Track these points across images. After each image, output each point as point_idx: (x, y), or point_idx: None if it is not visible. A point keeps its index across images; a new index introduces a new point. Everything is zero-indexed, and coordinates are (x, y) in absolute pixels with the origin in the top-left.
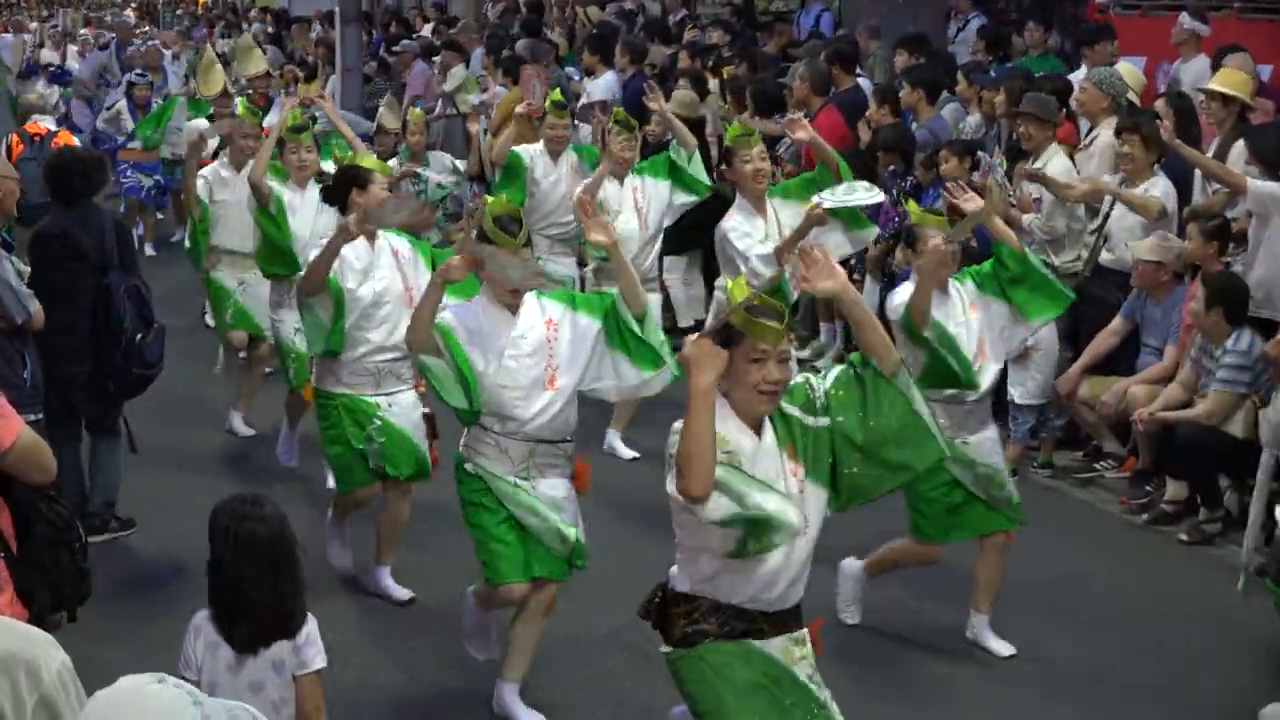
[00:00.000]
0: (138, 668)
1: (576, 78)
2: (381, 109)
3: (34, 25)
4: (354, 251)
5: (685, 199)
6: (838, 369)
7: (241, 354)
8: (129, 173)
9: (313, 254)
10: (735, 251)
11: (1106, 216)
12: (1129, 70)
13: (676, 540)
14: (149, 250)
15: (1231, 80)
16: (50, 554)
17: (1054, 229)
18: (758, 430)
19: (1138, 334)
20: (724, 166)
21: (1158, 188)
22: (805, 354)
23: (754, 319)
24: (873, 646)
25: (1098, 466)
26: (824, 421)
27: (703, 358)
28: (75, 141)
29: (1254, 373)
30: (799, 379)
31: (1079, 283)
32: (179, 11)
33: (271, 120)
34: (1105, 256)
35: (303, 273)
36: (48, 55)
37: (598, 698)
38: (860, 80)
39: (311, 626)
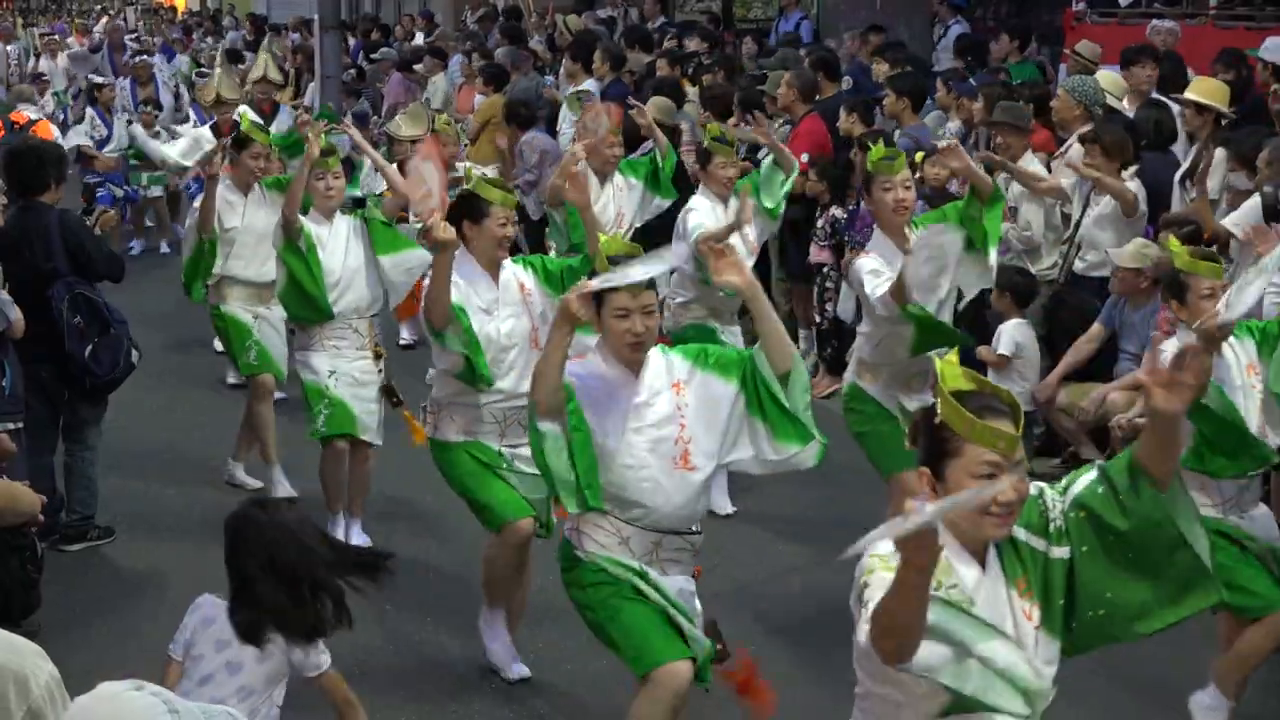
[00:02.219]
0: (118, 676)
1: (550, 83)
2: (399, 116)
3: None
4: (475, 286)
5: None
6: (1086, 478)
7: (278, 394)
8: (103, 185)
9: (349, 296)
10: (862, 294)
11: (1078, 224)
12: (1109, 77)
13: (857, 689)
14: (163, 248)
15: (1206, 89)
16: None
17: (1030, 239)
18: (981, 558)
19: (1115, 340)
20: (700, 168)
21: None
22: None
23: (981, 421)
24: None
25: None
26: (1063, 552)
27: (918, 540)
28: (54, 134)
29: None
30: (1030, 490)
31: (1055, 290)
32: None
33: (280, 127)
34: (1079, 265)
35: (422, 307)
36: (43, 65)
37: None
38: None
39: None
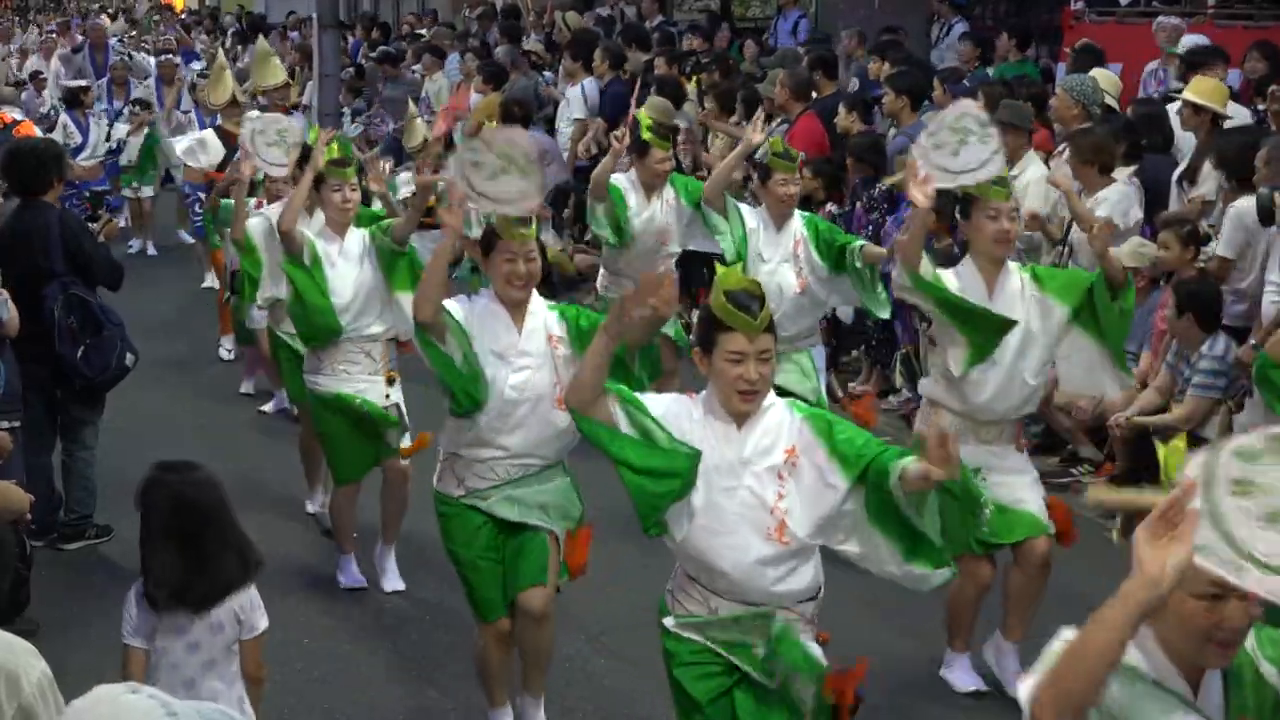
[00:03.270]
0: (116, 676)
1: (550, 82)
2: (416, 122)
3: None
4: (493, 327)
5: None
6: None
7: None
8: (77, 196)
9: (362, 318)
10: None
11: (1069, 228)
12: (1105, 76)
13: None
14: (150, 251)
15: (1204, 89)
16: None
17: (1032, 238)
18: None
19: None
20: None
21: (1109, 201)
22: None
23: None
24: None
25: (1074, 471)
26: None
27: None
28: (36, 132)
29: (1229, 378)
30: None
31: None
32: (157, 18)
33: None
34: (1072, 267)
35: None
36: (36, 64)
37: (581, 697)
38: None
39: (253, 592)
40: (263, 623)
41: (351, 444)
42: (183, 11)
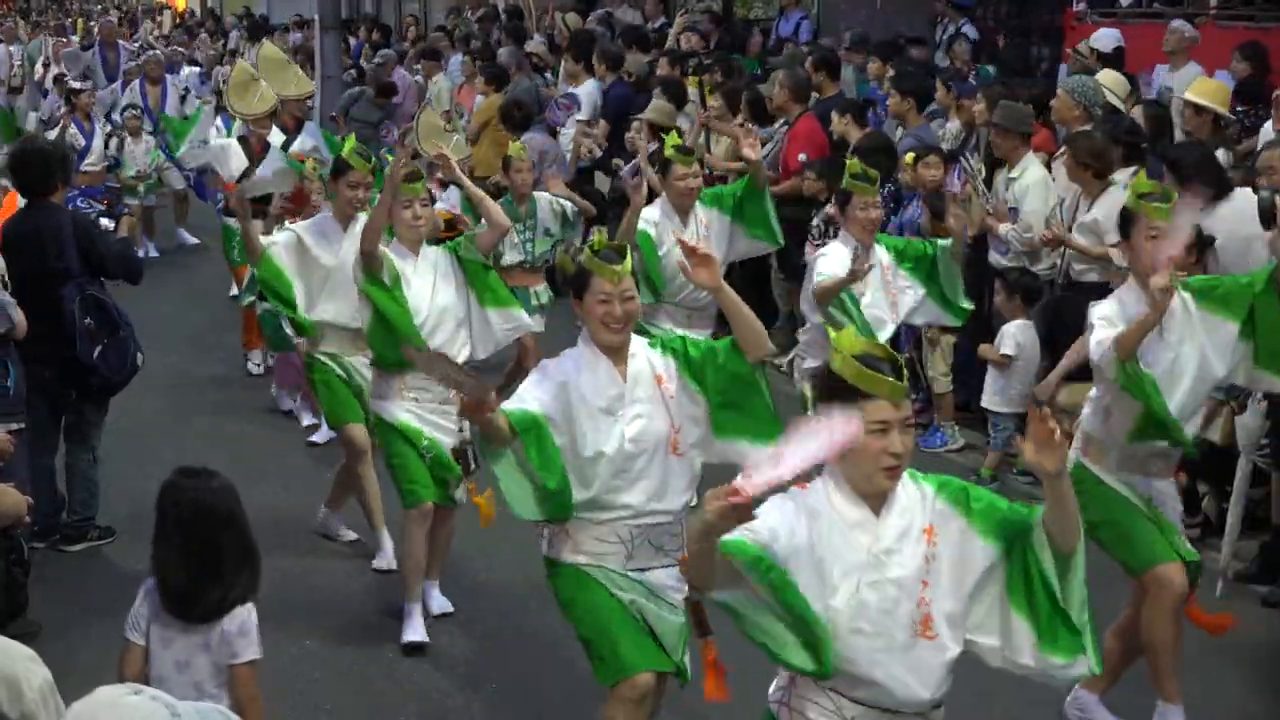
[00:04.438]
0: (117, 677)
1: (550, 83)
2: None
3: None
4: (594, 378)
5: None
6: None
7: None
8: (78, 200)
9: (435, 340)
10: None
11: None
12: (1111, 76)
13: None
14: (152, 252)
15: (1206, 90)
16: None
17: (1032, 240)
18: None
19: None
20: None
21: (1102, 207)
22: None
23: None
24: None
25: None
26: None
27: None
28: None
29: None
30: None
31: (1057, 291)
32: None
33: (303, 146)
34: (1076, 267)
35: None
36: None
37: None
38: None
39: (246, 616)
40: (249, 652)
41: (425, 467)
42: (184, 13)
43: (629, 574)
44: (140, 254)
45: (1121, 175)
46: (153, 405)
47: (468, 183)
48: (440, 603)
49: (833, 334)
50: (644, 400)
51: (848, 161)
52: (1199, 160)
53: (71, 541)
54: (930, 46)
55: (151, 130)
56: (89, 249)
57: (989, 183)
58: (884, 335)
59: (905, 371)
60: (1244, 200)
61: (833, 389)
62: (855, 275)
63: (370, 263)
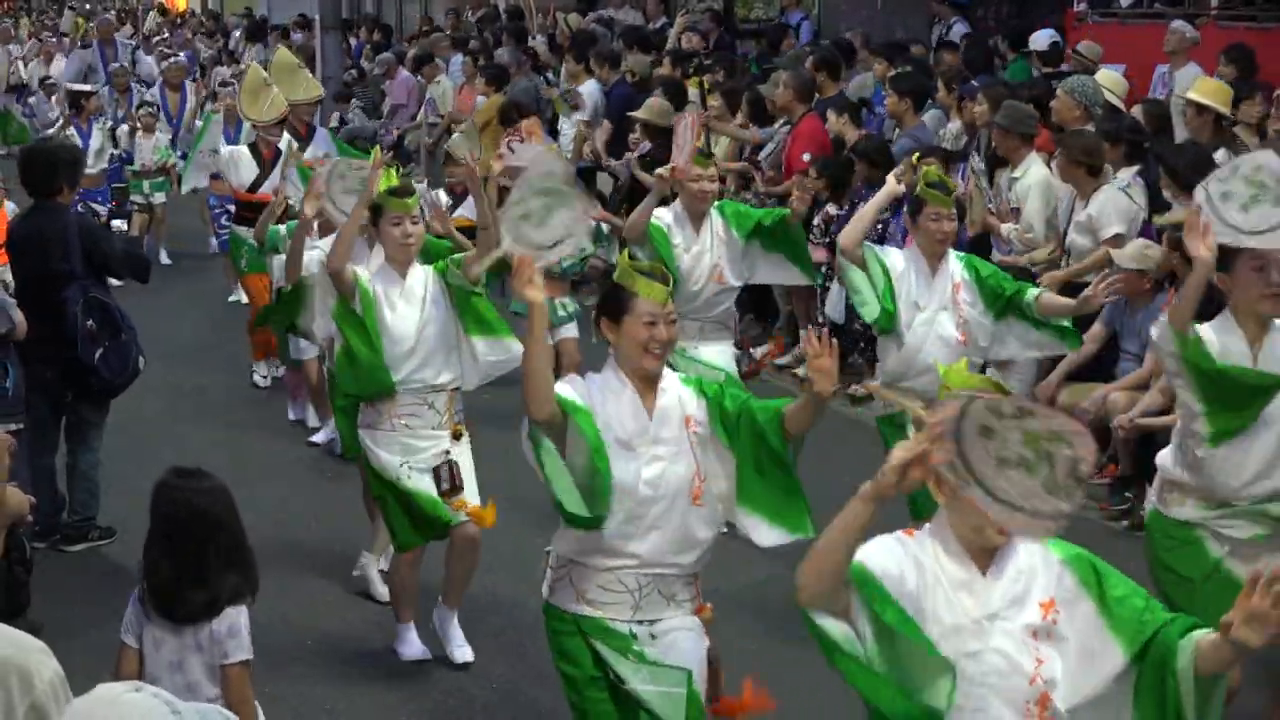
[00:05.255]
0: (113, 680)
1: (552, 83)
2: (456, 135)
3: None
4: (617, 410)
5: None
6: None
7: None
8: (76, 204)
9: (426, 367)
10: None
11: (1065, 232)
12: (1109, 76)
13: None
14: (164, 259)
15: (1208, 89)
16: None
17: (1032, 239)
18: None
19: (1116, 341)
20: None
21: (1095, 204)
22: (786, 360)
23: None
24: None
25: None
26: None
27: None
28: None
29: None
30: None
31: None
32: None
33: (315, 153)
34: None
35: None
36: (34, 69)
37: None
38: None
39: (236, 618)
40: (239, 653)
41: (412, 511)
42: (185, 13)
43: (634, 631)
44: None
45: (1125, 174)
46: (154, 407)
47: (485, 209)
48: (462, 652)
49: (942, 369)
50: (668, 441)
51: (924, 168)
52: (1194, 161)
53: (72, 541)
54: (927, 47)
55: (172, 138)
56: (92, 250)
57: (991, 182)
58: (948, 354)
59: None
60: None
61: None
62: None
63: (339, 283)
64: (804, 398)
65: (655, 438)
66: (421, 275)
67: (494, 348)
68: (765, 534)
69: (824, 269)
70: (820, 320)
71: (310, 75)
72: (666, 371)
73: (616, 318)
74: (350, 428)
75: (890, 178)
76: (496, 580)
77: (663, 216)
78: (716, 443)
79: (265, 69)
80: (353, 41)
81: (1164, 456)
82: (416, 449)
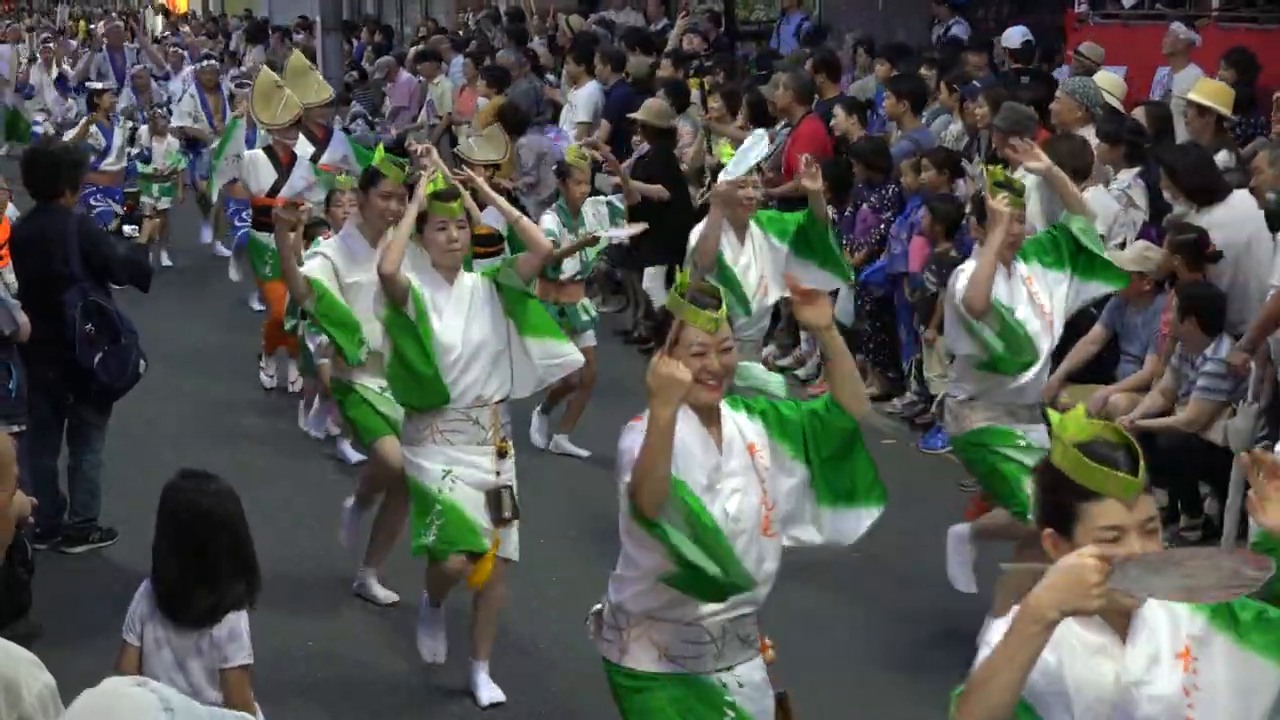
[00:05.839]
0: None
1: (553, 84)
2: (471, 139)
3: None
4: (691, 448)
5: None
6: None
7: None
8: (98, 197)
9: (470, 376)
10: None
11: None
12: (1108, 78)
13: None
14: (165, 261)
15: (1209, 91)
16: None
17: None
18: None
19: (1117, 342)
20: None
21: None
22: (786, 361)
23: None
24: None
25: None
26: None
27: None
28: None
29: (1233, 380)
30: None
31: None
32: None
33: (333, 156)
34: None
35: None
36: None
37: (549, 700)
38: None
39: (237, 622)
40: (239, 656)
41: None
42: (186, 14)
43: (723, 680)
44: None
45: (1125, 175)
46: (155, 409)
47: (502, 202)
48: (490, 693)
49: (1056, 418)
50: (739, 471)
51: (990, 169)
52: (1195, 163)
53: (73, 543)
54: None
55: (215, 141)
56: (92, 253)
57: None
58: (1042, 349)
59: (1141, 459)
60: (1241, 203)
61: (1054, 485)
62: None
63: (391, 288)
64: (826, 353)
65: (728, 470)
66: (469, 281)
67: (549, 352)
68: (853, 521)
69: None
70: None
71: (320, 78)
72: (724, 405)
73: (670, 348)
74: (364, 414)
75: (994, 205)
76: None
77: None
78: (781, 459)
79: (274, 70)
80: (354, 43)
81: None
82: (462, 460)
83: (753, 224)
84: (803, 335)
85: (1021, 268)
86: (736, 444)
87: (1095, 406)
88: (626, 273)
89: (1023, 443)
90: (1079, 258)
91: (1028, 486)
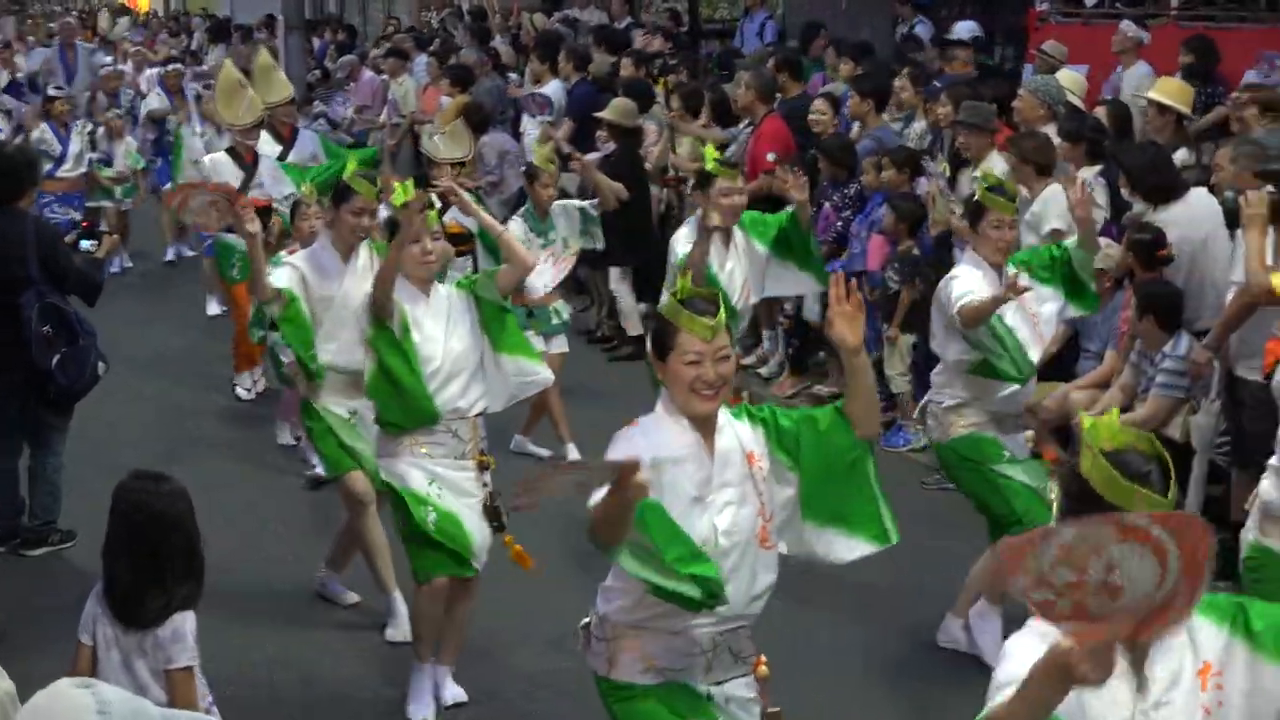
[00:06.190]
0: None
1: (518, 83)
2: (435, 137)
3: None
4: (681, 463)
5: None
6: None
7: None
8: (56, 207)
9: (449, 390)
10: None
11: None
12: (1069, 76)
13: None
14: (127, 262)
15: (1170, 89)
16: None
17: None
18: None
19: (1077, 339)
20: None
21: (1041, 200)
22: (749, 360)
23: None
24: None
25: None
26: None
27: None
28: None
29: (1192, 377)
30: None
31: None
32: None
33: (301, 154)
34: None
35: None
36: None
37: (538, 698)
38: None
39: (181, 623)
40: (183, 657)
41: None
42: (147, 13)
43: (710, 692)
44: (114, 267)
45: (1086, 173)
46: (117, 412)
47: (486, 217)
48: (453, 692)
49: (1088, 422)
50: (734, 483)
51: (983, 171)
52: (1152, 162)
53: (32, 545)
54: (891, 45)
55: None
56: (49, 258)
57: (953, 182)
58: (1034, 357)
59: (1173, 474)
60: (1198, 201)
61: (1081, 494)
62: (1014, 290)
63: (381, 311)
64: (847, 373)
65: (721, 482)
66: (444, 293)
67: (522, 369)
68: (844, 547)
69: None
70: (783, 320)
71: (283, 76)
72: (722, 410)
73: (662, 356)
74: (331, 446)
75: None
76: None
77: (685, 236)
78: (779, 469)
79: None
80: (316, 42)
81: (1267, 490)
82: (445, 477)
83: (735, 227)
84: (765, 334)
85: (1014, 275)
86: (734, 454)
87: (1055, 403)
88: (590, 272)
89: (1007, 454)
90: (1070, 284)
91: (1018, 502)
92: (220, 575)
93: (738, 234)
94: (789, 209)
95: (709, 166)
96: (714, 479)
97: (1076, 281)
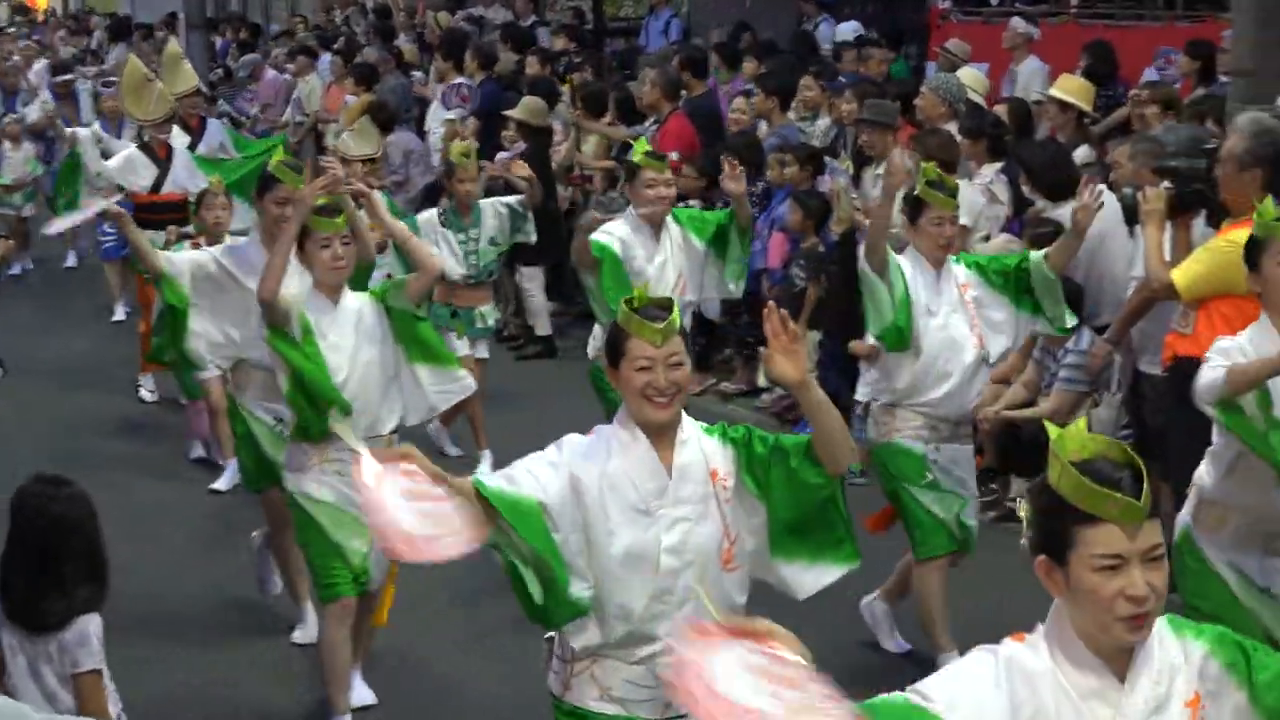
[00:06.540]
0: None
1: (422, 82)
2: (344, 135)
3: None
4: (630, 470)
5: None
6: None
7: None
8: None
9: (356, 405)
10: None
11: None
12: (971, 74)
13: None
14: (28, 264)
15: (1071, 87)
16: None
17: (898, 235)
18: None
19: None
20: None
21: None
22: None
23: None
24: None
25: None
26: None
27: None
28: None
29: (1090, 371)
30: None
31: None
32: (17, 19)
33: (209, 145)
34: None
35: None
36: None
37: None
38: None
39: (86, 626)
40: (89, 661)
41: (341, 553)
42: (46, 13)
43: None
44: (14, 269)
45: (988, 170)
46: (17, 417)
47: (393, 222)
48: (361, 694)
49: (1055, 432)
50: (691, 500)
51: (924, 165)
52: (1051, 159)
53: None
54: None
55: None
56: None
57: (858, 180)
58: (966, 358)
59: (1147, 481)
60: None
61: (1049, 507)
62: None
63: (273, 314)
64: (805, 412)
65: (676, 498)
66: (354, 302)
67: (440, 377)
68: (808, 579)
69: None
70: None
71: (189, 67)
72: (687, 421)
73: (615, 363)
74: (253, 458)
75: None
76: (422, 653)
77: (615, 230)
78: (745, 495)
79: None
80: (218, 41)
81: (1202, 476)
82: (354, 499)
83: (670, 221)
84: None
85: (960, 272)
86: (695, 470)
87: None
88: (500, 271)
89: (930, 476)
90: (1024, 297)
91: (917, 532)
92: (123, 579)
93: (674, 228)
94: (729, 208)
95: (637, 159)
96: (669, 493)
97: (1035, 302)
